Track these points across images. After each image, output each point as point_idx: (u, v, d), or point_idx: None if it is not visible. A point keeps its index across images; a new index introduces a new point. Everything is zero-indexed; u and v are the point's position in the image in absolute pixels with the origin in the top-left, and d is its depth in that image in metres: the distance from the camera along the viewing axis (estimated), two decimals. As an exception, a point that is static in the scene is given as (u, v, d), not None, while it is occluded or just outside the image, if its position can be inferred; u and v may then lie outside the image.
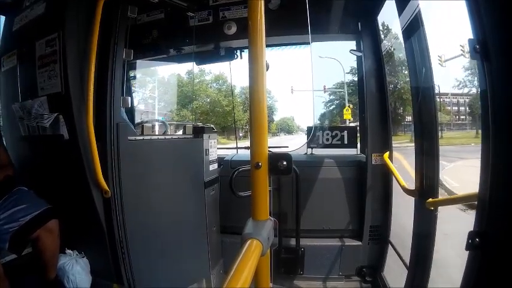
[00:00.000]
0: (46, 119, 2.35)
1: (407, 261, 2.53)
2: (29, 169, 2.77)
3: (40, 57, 2.43)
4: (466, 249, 1.27)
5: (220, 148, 3.72)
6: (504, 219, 1.16)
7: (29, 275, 2.48)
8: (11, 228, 2.23)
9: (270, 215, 1.37)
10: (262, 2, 1.32)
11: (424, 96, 2.30)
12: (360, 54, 3.41)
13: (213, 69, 37.07)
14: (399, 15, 2.38)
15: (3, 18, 2.91)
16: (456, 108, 32.26)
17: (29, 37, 2.52)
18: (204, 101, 31.67)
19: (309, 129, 3.60)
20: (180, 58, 4.03)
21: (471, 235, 1.24)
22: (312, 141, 3.58)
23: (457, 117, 32.39)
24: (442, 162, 11.28)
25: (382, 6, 3.09)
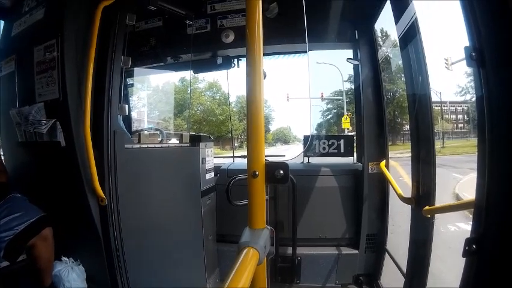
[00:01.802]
0: (43, 125, 2.35)
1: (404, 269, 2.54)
2: (26, 175, 2.76)
3: (38, 63, 2.42)
4: (463, 256, 1.27)
5: (217, 157, 3.73)
6: (500, 225, 1.16)
7: (23, 282, 2.47)
8: (6, 237, 2.22)
9: (267, 223, 1.37)
10: (260, 11, 1.33)
11: (420, 104, 2.31)
12: (356, 62, 3.43)
13: (207, 76, 37.04)
14: (396, 23, 2.40)
15: (2, 23, 2.92)
16: (454, 116, 32.32)
17: (28, 42, 2.51)
18: (197, 109, 31.50)
19: (306, 138, 3.60)
20: (178, 66, 4.05)
21: (467, 242, 1.24)
22: (308, 150, 3.58)
23: (456, 125, 32.43)
24: (455, 175, 11.20)
25: (379, 15, 3.13)
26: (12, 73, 2.68)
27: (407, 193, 2.48)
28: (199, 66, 3.85)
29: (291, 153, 4.05)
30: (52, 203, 2.47)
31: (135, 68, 3.88)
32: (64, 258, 2.48)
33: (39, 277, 2.37)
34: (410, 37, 2.30)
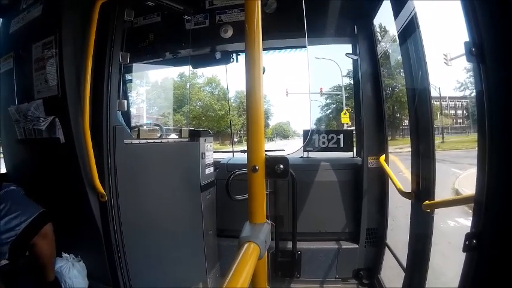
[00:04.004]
0: (42, 122, 2.34)
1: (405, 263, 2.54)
2: (26, 172, 2.76)
3: (37, 60, 2.42)
4: (463, 251, 1.27)
5: (216, 152, 3.72)
6: (500, 220, 1.16)
7: (25, 279, 2.47)
8: (9, 238, 2.20)
9: (267, 218, 1.37)
10: (259, 5, 1.32)
11: (420, 99, 2.31)
12: (356, 57, 3.42)
13: (206, 72, 36.81)
14: (395, 18, 2.39)
15: (0, 20, 2.90)
16: (454, 111, 32.27)
17: (26, 40, 2.51)
18: (196, 104, 31.39)
19: (305, 132, 3.60)
20: (176, 61, 4.03)
21: (468, 237, 1.24)
22: (308, 145, 3.58)
23: (455, 120, 32.38)
24: (455, 170, 11.19)
25: (378, 10, 3.12)
26: (10, 70, 2.67)
27: (407, 188, 2.48)
28: (198, 62, 3.84)
29: (291, 148, 4.04)
30: (52, 200, 2.47)
31: (133, 64, 3.88)
32: (65, 255, 2.49)
33: (43, 273, 2.37)
34: (409, 32, 2.29)
